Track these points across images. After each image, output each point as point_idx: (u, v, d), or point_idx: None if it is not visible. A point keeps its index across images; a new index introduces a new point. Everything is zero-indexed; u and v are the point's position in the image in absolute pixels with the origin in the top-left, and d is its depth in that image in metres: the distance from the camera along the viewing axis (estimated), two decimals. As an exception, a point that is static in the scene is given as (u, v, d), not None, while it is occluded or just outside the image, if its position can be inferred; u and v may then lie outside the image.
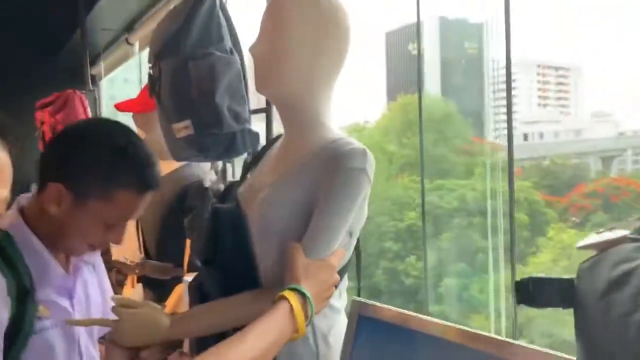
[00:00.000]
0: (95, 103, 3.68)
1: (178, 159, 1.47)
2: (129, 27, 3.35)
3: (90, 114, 3.17)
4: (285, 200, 0.98)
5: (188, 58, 1.27)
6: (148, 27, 3.13)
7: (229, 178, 1.63)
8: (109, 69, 3.87)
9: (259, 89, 1.06)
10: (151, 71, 1.37)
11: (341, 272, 0.97)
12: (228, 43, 1.32)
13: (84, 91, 3.32)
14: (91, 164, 0.90)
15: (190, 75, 1.27)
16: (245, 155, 1.36)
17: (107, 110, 3.98)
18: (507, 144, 1.33)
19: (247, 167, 1.18)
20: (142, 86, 1.71)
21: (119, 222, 0.95)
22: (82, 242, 0.94)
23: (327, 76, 1.05)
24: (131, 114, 1.74)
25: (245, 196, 1.05)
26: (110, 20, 3.33)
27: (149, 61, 1.40)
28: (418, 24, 2.06)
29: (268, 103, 1.45)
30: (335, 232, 0.91)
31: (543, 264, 9.10)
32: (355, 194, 0.93)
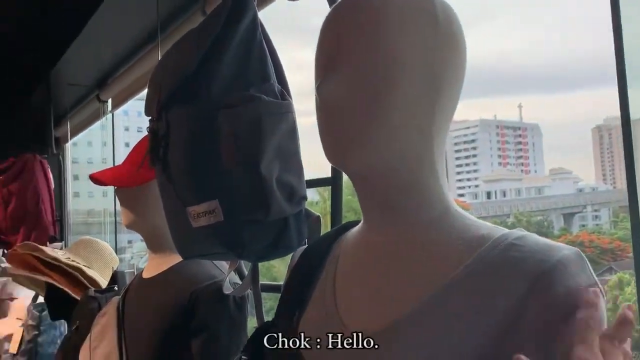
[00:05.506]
0: (59, 169, 3.17)
1: (188, 256, 0.98)
2: (101, 82, 2.90)
3: (52, 183, 2.66)
4: (435, 351, 0.52)
5: (217, 106, 0.81)
6: (123, 82, 2.71)
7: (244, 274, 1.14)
8: (76, 130, 3.37)
9: (339, 157, 0.61)
10: (153, 127, 0.89)
11: None
12: (275, 83, 0.87)
13: (46, 155, 2.82)
14: None
15: (220, 132, 0.80)
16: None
17: (73, 178, 3.46)
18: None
19: (301, 281, 0.71)
20: (130, 148, 1.23)
21: None
22: None
23: (444, 130, 0.63)
24: (113, 187, 1.25)
25: (326, 354, 0.60)
26: (78, 74, 2.87)
27: (148, 112, 0.93)
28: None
29: (336, 171, 0.97)
30: None
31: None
32: None
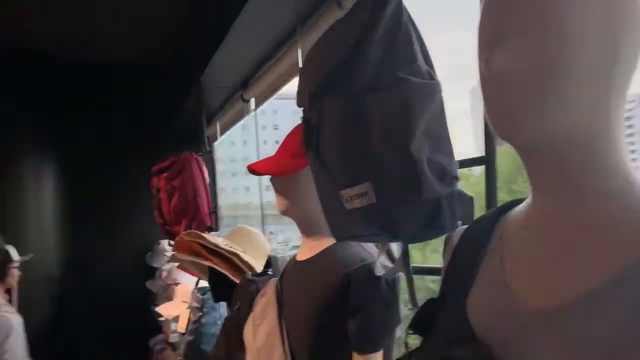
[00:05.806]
0: (212, 165, 3.44)
1: (342, 238, 1.02)
2: (244, 83, 3.09)
3: (207, 178, 2.89)
4: (617, 333, 0.49)
5: (366, 90, 0.84)
6: (264, 83, 2.86)
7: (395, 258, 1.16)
8: (224, 129, 3.63)
9: (510, 129, 0.59)
10: (306, 118, 0.94)
11: None
12: (422, 63, 0.87)
13: (200, 153, 3.08)
14: None
15: (370, 116, 0.83)
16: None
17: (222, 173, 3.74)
18: None
19: (466, 261, 0.70)
20: (283, 138, 1.31)
21: None
22: None
23: (623, 96, 0.58)
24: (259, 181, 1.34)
25: (498, 329, 0.59)
26: (224, 77, 3.09)
27: (300, 104, 0.99)
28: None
29: (490, 146, 0.95)
30: None
31: None
32: None
